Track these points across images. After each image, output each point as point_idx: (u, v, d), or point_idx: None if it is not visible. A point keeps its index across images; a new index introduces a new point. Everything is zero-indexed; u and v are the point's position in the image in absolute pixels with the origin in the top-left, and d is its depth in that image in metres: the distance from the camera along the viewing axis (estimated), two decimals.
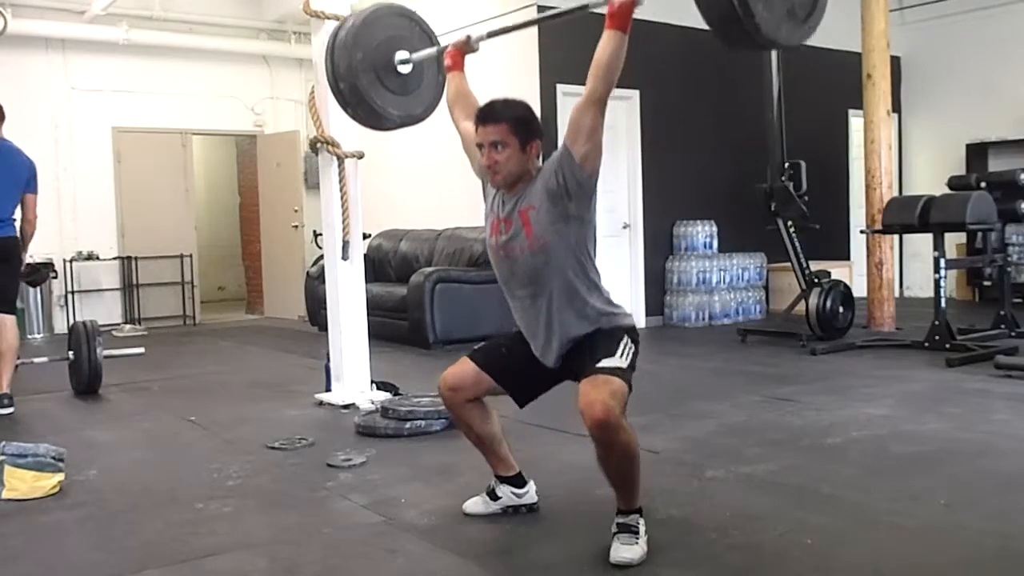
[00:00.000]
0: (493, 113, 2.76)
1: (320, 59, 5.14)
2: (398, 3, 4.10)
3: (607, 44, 2.59)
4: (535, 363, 2.85)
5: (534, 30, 7.60)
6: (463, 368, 2.92)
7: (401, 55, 3.84)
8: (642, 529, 2.68)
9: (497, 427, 2.99)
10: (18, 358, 5.76)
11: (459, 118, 3.11)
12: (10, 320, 5.20)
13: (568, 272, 2.72)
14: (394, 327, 7.38)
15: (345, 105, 3.91)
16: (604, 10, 2.66)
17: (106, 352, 5.59)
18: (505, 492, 3.03)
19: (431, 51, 3.85)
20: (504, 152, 2.72)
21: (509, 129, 2.72)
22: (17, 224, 5.23)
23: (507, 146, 2.72)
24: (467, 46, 3.28)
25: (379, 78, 3.82)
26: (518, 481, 3.04)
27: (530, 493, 3.06)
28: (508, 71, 7.90)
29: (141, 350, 6.12)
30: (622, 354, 2.69)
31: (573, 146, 2.64)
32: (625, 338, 2.74)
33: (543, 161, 2.81)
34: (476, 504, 3.06)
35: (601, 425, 2.49)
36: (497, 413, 3.01)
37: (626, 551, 2.59)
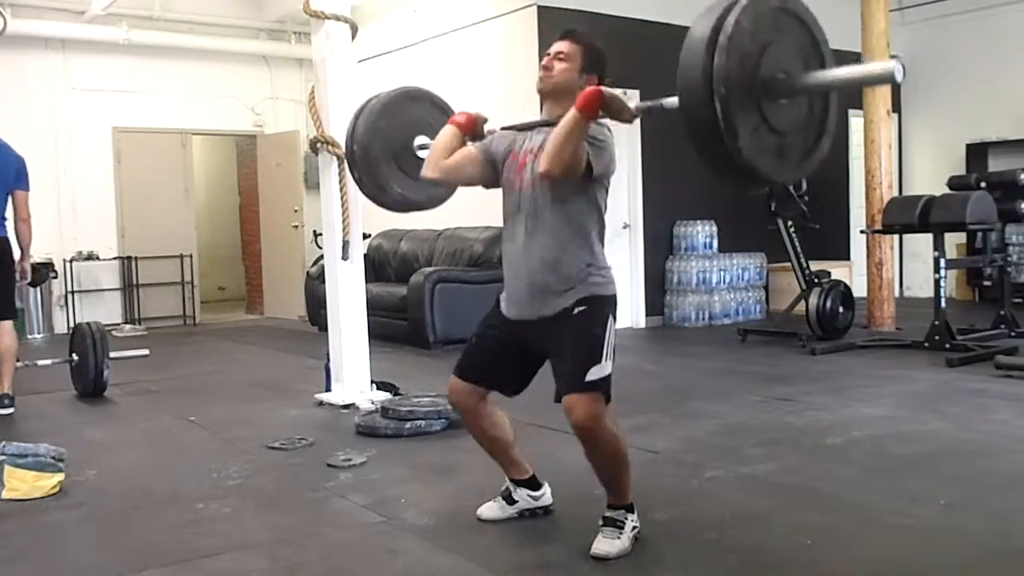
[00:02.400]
0: (574, 33, 2.79)
1: (320, 59, 5.17)
2: (411, 86, 4.03)
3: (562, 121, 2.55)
4: (508, 350, 2.83)
5: (533, 31, 7.60)
6: (456, 384, 2.91)
7: (421, 141, 3.75)
8: (628, 525, 2.69)
9: (509, 431, 2.98)
10: (17, 360, 5.76)
11: (465, 166, 2.91)
12: (7, 324, 5.09)
13: (571, 215, 2.70)
14: (394, 327, 7.38)
15: (381, 205, 3.91)
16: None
17: (111, 355, 5.57)
18: (522, 496, 3.01)
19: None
20: (563, 64, 2.75)
21: (581, 51, 2.75)
22: (9, 224, 5.07)
23: (569, 61, 2.74)
24: (481, 120, 3.03)
25: (402, 169, 3.77)
26: (534, 484, 3.03)
27: (546, 495, 3.05)
28: (508, 72, 7.90)
29: (146, 352, 6.11)
30: (606, 355, 2.66)
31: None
32: (608, 324, 2.71)
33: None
34: (492, 509, 3.02)
35: (584, 428, 2.61)
36: (507, 416, 3.00)
37: (605, 544, 2.62)
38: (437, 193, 3.83)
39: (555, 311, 2.71)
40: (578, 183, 2.67)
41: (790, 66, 2.25)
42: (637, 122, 8.89)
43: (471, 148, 2.92)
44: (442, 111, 3.81)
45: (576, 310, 2.70)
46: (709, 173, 2.31)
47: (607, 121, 2.64)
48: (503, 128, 2.97)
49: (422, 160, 3.54)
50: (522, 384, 2.93)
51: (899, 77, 2.12)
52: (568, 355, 2.67)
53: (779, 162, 2.30)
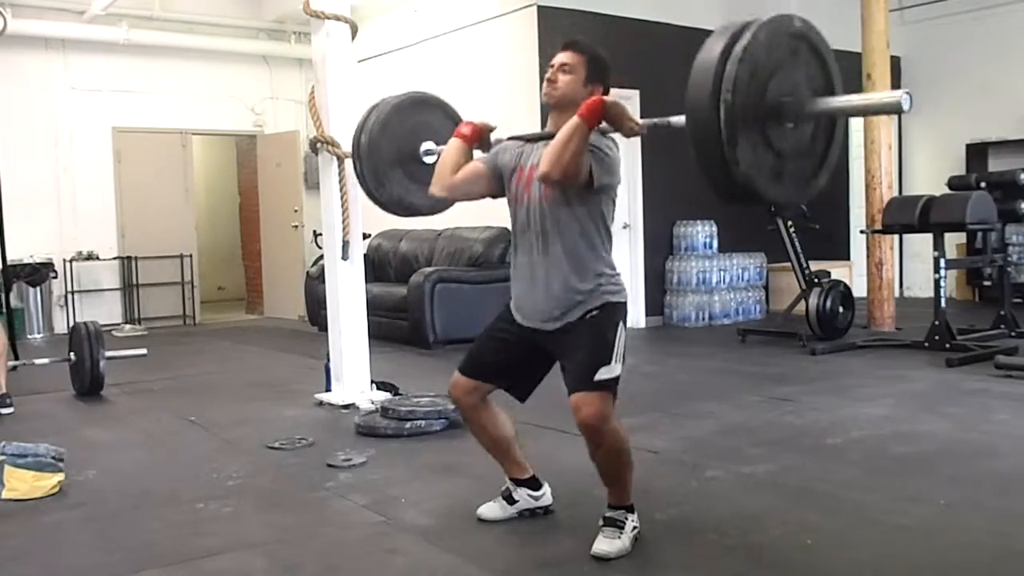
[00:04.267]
0: (576, 44, 2.78)
1: (320, 59, 5.17)
2: (424, 92, 4.02)
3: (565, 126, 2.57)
4: (521, 355, 2.84)
5: (534, 31, 7.60)
6: (459, 381, 2.92)
7: (427, 146, 3.75)
8: (629, 525, 2.69)
9: (510, 429, 2.99)
10: (16, 359, 5.78)
11: (472, 183, 2.92)
12: None
13: (580, 227, 2.72)
14: (394, 327, 7.38)
15: (378, 203, 3.89)
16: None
17: (108, 353, 5.57)
18: (523, 495, 3.01)
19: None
20: (568, 76, 2.74)
21: (584, 61, 2.75)
22: None
23: (574, 72, 2.74)
24: (487, 129, 3.06)
25: (405, 173, 3.76)
26: (534, 484, 3.03)
27: (546, 495, 3.05)
28: (508, 71, 7.90)
29: (143, 351, 6.11)
30: (616, 357, 2.68)
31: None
32: (619, 328, 2.73)
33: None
34: (492, 509, 3.03)
35: (590, 426, 2.62)
36: (511, 415, 3.00)
37: (605, 544, 2.62)
38: (440, 202, 3.84)
39: (569, 321, 2.74)
40: (583, 195, 2.68)
41: (798, 91, 2.26)
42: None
43: (478, 164, 2.93)
44: (452, 120, 3.77)
45: (588, 315, 2.72)
46: (709, 190, 2.30)
47: (617, 136, 2.68)
48: (509, 138, 2.97)
49: (427, 166, 3.61)
50: (532, 385, 2.94)
51: (906, 107, 2.14)
52: (577, 356, 2.69)
53: (776, 183, 2.30)
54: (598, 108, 2.53)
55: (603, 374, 2.64)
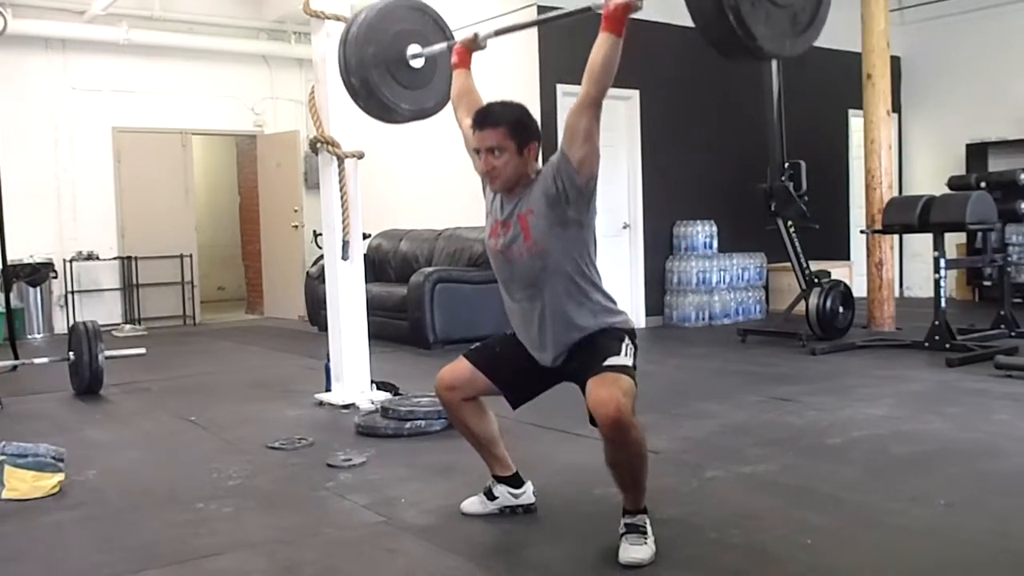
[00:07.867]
0: (490, 117, 2.74)
1: (320, 59, 5.17)
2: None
3: (600, 47, 2.58)
4: (530, 363, 2.84)
5: (534, 30, 7.60)
6: (458, 367, 2.93)
7: (413, 49, 3.84)
8: (649, 529, 2.68)
9: (494, 427, 2.99)
10: (16, 358, 5.78)
11: (463, 116, 3.08)
12: None
13: (567, 275, 2.71)
14: (394, 327, 7.38)
15: (356, 98, 3.91)
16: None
17: (107, 353, 5.58)
18: (502, 492, 3.02)
19: (442, 46, 3.83)
20: (502, 157, 2.72)
21: (506, 133, 2.71)
22: None
23: (504, 151, 2.71)
24: (474, 43, 3.34)
25: (390, 72, 3.82)
26: (515, 481, 3.03)
27: (527, 493, 3.05)
28: (508, 71, 7.89)
29: (142, 351, 6.11)
30: (625, 353, 2.67)
31: (569, 151, 2.64)
32: (626, 339, 2.73)
33: (542, 163, 2.81)
34: (473, 504, 3.06)
35: (615, 423, 2.49)
36: (494, 413, 3.01)
37: (636, 551, 2.58)
38: (444, 93, 3.89)
39: (572, 351, 2.74)
40: (565, 235, 2.68)
41: None
42: (637, 122, 8.90)
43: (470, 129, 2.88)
44: (420, 12, 3.96)
45: (590, 335, 2.73)
46: (715, 50, 2.46)
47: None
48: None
49: (417, 69, 3.85)
50: (528, 396, 2.95)
51: None
52: (583, 357, 2.68)
53: (768, 24, 2.41)
54: (623, 18, 2.55)
55: (612, 361, 2.61)
